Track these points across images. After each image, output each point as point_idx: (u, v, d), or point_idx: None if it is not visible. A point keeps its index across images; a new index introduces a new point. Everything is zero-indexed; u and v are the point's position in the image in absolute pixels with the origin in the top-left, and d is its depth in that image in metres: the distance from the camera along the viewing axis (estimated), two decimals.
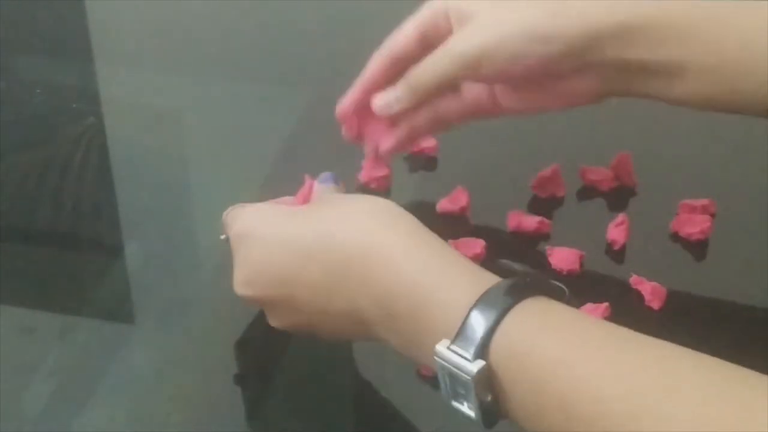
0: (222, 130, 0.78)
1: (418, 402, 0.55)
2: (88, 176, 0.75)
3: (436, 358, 0.44)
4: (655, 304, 0.60)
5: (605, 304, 0.59)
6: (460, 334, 0.44)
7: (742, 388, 0.39)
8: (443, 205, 0.68)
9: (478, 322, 0.43)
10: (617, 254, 0.64)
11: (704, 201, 0.66)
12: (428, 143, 0.72)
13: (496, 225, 0.66)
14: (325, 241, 0.50)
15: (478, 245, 0.64)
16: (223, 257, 0.57)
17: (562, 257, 0.63)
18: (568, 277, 0.63)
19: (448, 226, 0.67)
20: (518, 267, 0.46)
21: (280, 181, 0.61)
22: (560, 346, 0.43)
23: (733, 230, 0.66)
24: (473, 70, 0.58)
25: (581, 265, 0.63)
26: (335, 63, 0.81)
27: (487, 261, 0.63)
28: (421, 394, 0.55)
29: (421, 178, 0.71)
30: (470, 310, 0.44)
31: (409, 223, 0.50)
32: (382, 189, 0.69)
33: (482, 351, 0.43)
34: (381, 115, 0.61)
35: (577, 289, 0.62)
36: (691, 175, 0.71)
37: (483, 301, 0.44)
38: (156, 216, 0.71)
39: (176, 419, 0.56)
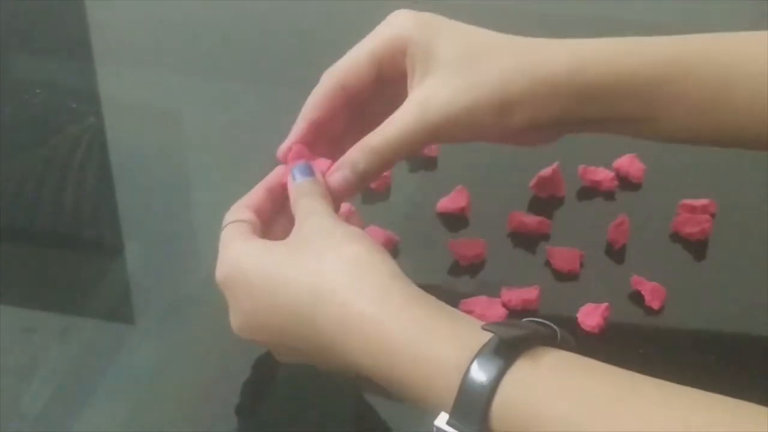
0: (222, 130, 0.78)
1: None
2: (88, 176, 0.75)
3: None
4: (655, 304, 0.60)
5: (605, 304, 0.59)
6: (457, 408, 0.43)
7: (752, 425, 0.39)
8: (443, 205, 0.68)
9: (474, 392, 0.43)
10: (617, 254, 0.64)
11: (704, 201, 0.66)
12: None
13: (496, 225, 0.66)
14: (304, 314, 0.49)
15: (478, 245, 0.64)
16: None
17: (562, 257, 0.63)
18: (568, 277, 0.63)
19: (448, 226, 0.67)
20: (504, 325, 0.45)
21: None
22: (564, 406, 0.42)
23: (733, 230, 0.66)
24: (434, 137, 0.56)
25: (581, 265, 0.63)
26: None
27: (487, 268, 0.64)
28: None
29: (421, 178, 0.71)
30: (463, 378, 0.43)
31: (379, 281, 0.48)
32: (381, 189, 0.69)
33: (484, 425, 0.43)
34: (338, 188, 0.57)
35: (577, 289, 0.62)
36: (691, 175, 0.71)
37: (475, 368, 0.43)
38: (156, 216, 0.71)
39: (176, 419, 0.56)
